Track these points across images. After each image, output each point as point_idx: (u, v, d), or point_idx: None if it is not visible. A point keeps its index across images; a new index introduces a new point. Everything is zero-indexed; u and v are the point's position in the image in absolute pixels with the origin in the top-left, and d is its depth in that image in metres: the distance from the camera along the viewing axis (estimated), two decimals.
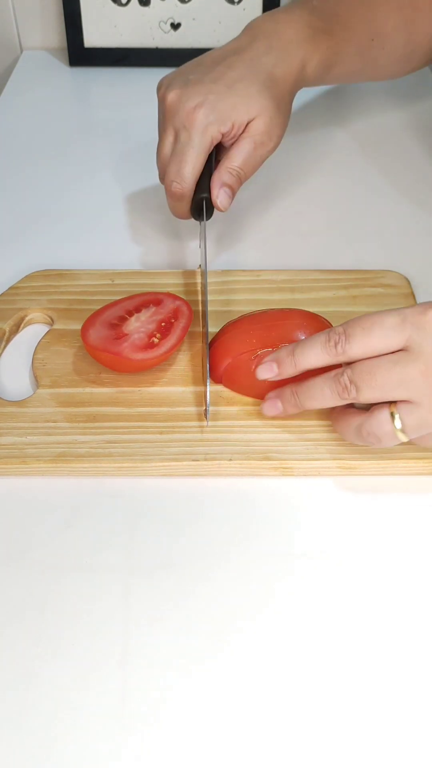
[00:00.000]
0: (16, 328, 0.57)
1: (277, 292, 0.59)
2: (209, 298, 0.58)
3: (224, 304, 0.57)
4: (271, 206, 0.70)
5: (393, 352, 0.43)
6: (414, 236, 0.67)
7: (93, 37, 0.93)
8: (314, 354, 0.45)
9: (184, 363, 0.53)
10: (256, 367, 0.49)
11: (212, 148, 0.57)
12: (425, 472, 0.47)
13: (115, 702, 0.38)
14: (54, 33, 0.98)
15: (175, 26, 0.92)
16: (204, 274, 0.56)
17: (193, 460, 0.47)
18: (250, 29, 0.61)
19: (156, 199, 0.72)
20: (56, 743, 0.36)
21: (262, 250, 0.65)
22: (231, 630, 0.40)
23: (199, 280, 0.60)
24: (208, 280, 0.60)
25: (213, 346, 0.53)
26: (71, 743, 0.36)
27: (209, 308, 0.57)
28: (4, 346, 0.56)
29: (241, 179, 0.58)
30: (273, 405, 0.48)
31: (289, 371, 0.46)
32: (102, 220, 0.70)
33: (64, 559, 0.43)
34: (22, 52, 0.99)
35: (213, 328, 0.56)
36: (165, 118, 0.58)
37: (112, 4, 0.90)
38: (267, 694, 0.38)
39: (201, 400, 0.51)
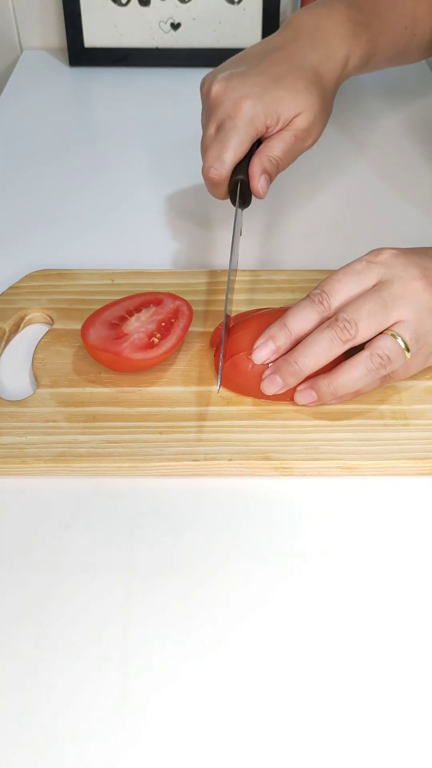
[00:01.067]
0: (16, 328, 0.57)
1: (277, 292, 0.59)
2: (208, 298, 0.58)
3: (223, 304, 0.57)
4: (271, 206, 0.70)
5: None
6: (413, 236, 0.67)
7: (93, 37, 0.93)
8: (304, 316, 0.48)
9: (184, 363, 0.53)
10: (253, 366, 0.49)
11: (256, 139, 0.57)
12: (425, 472, 0.47)
13: (115, 702, 0.38)
14: (54, 33, 0.98)
15: (175, 26, 0.92)
16: (233, 254, 0.55)
17: (193, 460, 0.47)
18: (291, 25, 0.61)
19: (156, 199, 0.72)
20: (56, 743, 0.36)
21: (262, 250, 0.65)
22: (231, 630, 0.40)
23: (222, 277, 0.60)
24: (207, 281, 0.60)
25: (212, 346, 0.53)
26: (71, 743, 0.36)
27: (209, 308, 0.58)
28: (4, 346, 0.56)
29: (279, 169, 0.58)
30: (272, 381, 0.48)
31: (285, 341, 0.48)
32: (102, 219, 0.70)
33: (64, 559, 0.43)
34: (22, 52, 0.99)
35: (213, 328, 0.56)
36: (209, 110, 0.58)
37: (112, 4, 0.90)
38: (268, 693, 0.38)
39: (201, 400, 0.51)
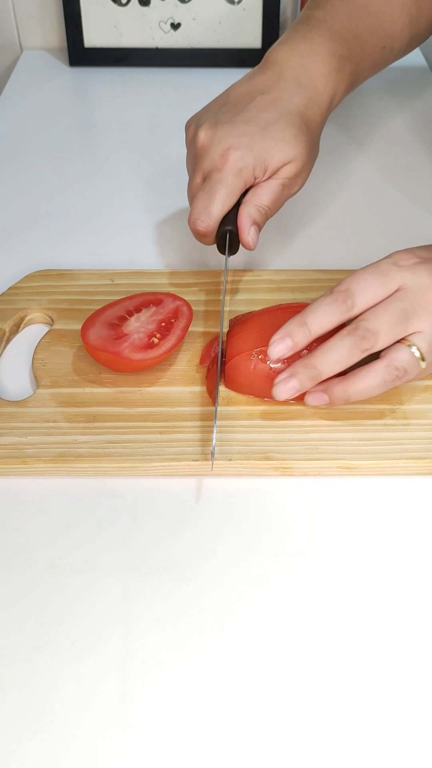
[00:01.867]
0: (16, 328, 0.57)
1: (277, 292, 0.59)
2: (208, 298, 0.58)
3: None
4: None
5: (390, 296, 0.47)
6: (414, 236, 0.67)
7: (93, 37, 0.93)
8: (325, 315, 0.47)
9: (184, 363, 0.53)
10: (255, 366, 0.49)
11: (243, 190, 0.56)
12: (425, 472, 0.47)
13: (115, 701, 0.38)
14: (54, 33, 0.98)
15: (175, 26, 0.92)
16: (223, 306, 0.56)
17: (193, 460, 0.47)
18: (274, 64, 0.59)
19: (156, 198, 0.72)
20: (56, 742, 0.36)
21: (261, 250, 0.65)
22: (232, 630, 0.40)
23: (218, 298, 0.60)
24: (207, 280, 0.60)
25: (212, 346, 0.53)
26: (71, 742, 0.36)
27: (209, 308, 0.58)
28: (4, 346, 0.56)
29: (267, 218, 0.57)
30: (287, 385, 0.47)
31: (304, 340, 0.47)
32: (102, 219, 0.70)
33: (64, 559, 0.43)
34: (22, 52, 0.99)
35: (213, 329, 0.56)
36: (195, 158, 0.57)
37: (112, 4, 0.90)
38: (269, 692, 0.38)
39: (201, 400, 0.51)
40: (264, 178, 0.56)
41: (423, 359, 0.47)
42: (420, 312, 0.46)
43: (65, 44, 0.94)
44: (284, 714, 0.37)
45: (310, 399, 0.48)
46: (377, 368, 0.46)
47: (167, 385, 0.52)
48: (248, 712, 0.37)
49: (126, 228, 0.69)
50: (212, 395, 0.50)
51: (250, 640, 0.40)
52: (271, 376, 0.49)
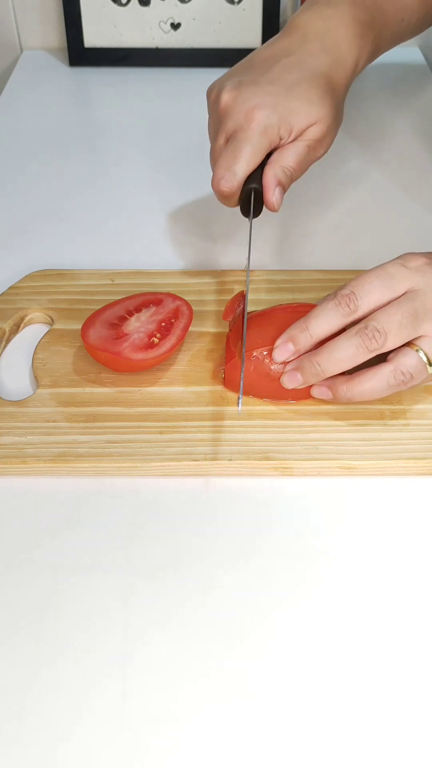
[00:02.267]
0: (16, 328, 0.57)
1: (277, 292, 0.59)
2: (209, 298, 0.58)
3: (223, 305, 0.57)
4: None
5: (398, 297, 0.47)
6: (414, 234, 0.67)
7: (93, 37, 0.93)
8: (328, 319, 0.47)
9: (184, 363, 0.53)
10: (255, 367, 0.49)
11: (269, 150, 0.55)
12: (425, 472, 0.47)
13: (116, 701, 0.37)
14: (54, 33, 0.98)
15: (175, 26, 0.92)
16: (247, 270, 0.55)
17: (193, 460, 0.47)
18: (298, 27, 0.59)
19: (156, 199, 0.72)
20: (56, 746, 0.36)
21: (261, 250, 0.65)
22: (232, 630, 0.40)
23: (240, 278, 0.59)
24: (207, 280, 0.60)
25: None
26: (72, 746, 0.36)
27: (209, 308, 0.58)
28: (4, 346, 0.56)
29: (292, 180, 0.56)
30: (292, 377, 0.48)
31: (306, 344, 0.48)
32: (102, 219, 0.70)
33: (65, 560, 0.43)
34: (22, 52, 0.99)
35: (213, 329, 0.56)
36: (219, 119, 0.56)
37: (112, 4, 0.90)
38: (268, 691, 0.38)
39: (201, 399, 0.51)
40: (289, 140, 0.55)
41: (430, 364, 0.47)
42: (430, 315, 0.46)
43: (65, 44, 0.94)
44: (292, 719, 0.37)
45: (314, 392, 0.49)
46: (384, 372, 0.46)
47: (167, 385, 0.52)
48: (248, 710, 0.37)
49: (126, 228, 0.69)
50: (235, 349, 0.50)
51: (252, 639, 0.40)
52: (272, 376, 0.49)
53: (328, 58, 0.57)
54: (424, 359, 0.46)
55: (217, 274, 0.61)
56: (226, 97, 0.55)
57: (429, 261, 0.48)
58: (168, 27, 0.92)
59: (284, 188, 0.55)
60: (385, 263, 0.48)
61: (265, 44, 0.59)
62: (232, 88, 0.55)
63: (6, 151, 0.80)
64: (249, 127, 0.53)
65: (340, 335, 0.47)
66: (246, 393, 0.51)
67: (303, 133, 0.56)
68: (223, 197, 0.55)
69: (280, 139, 0.55)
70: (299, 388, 0.48)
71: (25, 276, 0.60)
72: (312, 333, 0.47)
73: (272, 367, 0.49)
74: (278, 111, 0.54)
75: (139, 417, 0.50)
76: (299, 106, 0.54)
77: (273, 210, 0.55)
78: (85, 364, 0.53)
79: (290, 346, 0.48)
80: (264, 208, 0.56)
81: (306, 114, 0.55)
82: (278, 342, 0.48)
